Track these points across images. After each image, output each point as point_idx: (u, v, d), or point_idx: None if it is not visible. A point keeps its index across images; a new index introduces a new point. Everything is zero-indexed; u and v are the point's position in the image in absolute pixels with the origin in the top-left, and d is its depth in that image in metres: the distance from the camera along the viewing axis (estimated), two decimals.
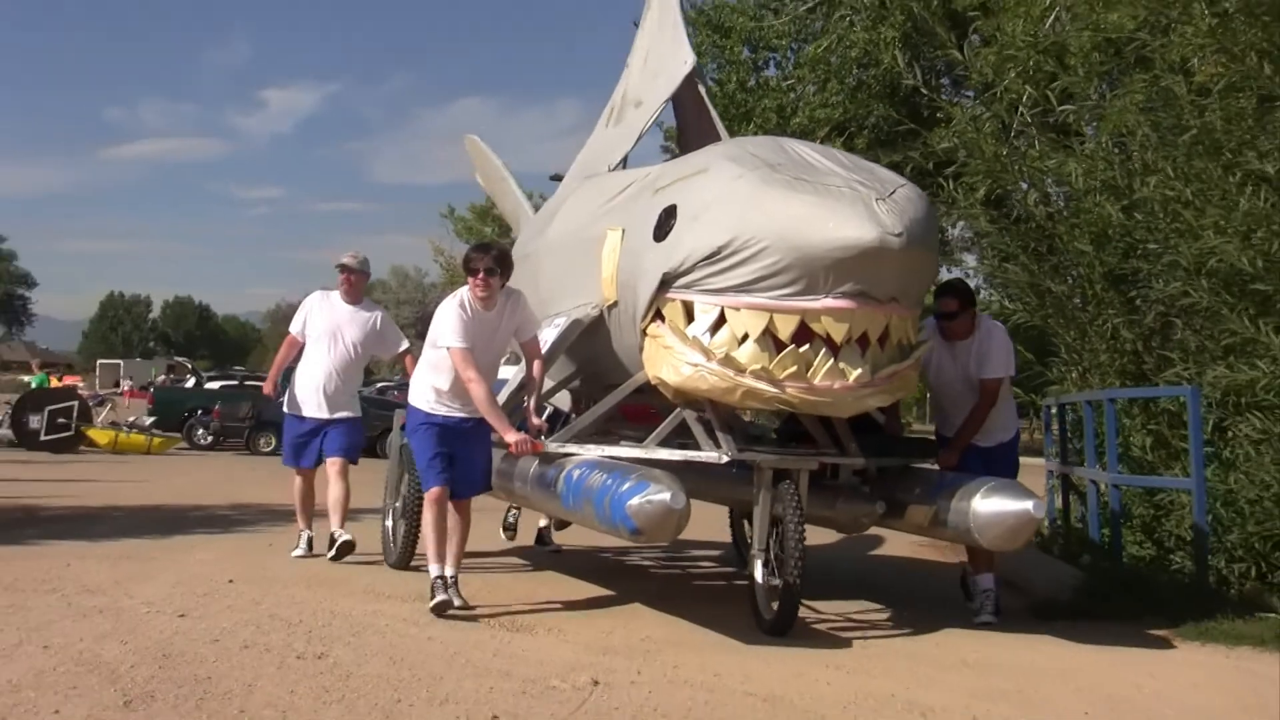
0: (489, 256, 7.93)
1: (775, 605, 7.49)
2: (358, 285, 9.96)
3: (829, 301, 6.98)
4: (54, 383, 29.63)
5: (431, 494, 8.15)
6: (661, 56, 9.84)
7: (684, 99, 10.30)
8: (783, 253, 6.89)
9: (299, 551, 10.30)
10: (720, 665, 6.78)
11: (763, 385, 7.11)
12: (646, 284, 7.54)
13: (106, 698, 5.68)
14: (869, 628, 8.34)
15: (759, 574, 7.55)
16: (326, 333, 9.97)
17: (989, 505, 7.30)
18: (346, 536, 9.92)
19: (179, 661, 6.41)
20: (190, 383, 39.49)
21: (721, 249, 7.06)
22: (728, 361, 7.13)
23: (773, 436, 9.26)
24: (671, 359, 7.36)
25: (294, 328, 10.16)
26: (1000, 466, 8.27)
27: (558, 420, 10.05)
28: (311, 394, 9.97)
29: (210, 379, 40.95)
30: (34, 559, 9.96)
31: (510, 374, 9.56)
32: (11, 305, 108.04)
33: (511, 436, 7.79)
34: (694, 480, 8.12)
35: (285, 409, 10.21)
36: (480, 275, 7.89)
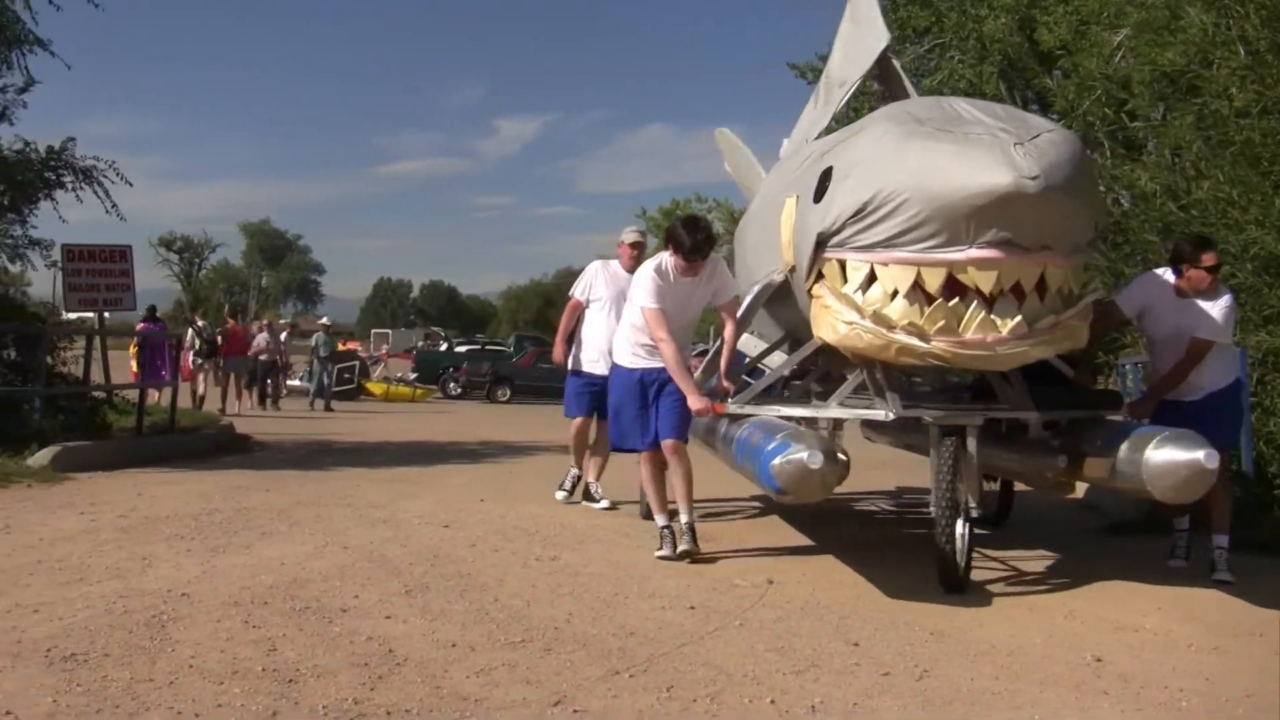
0: (694, 239, 7.03)
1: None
2: (639, 257, 9.11)
3: (973, 252, 5.82)
4: (340, 347, 30.87)
5: (643, 458, 7.46)
6: (859, 37, 8.81)
7: (883, 75, 9.30)
8: (922, 204, 5.84)
9: (562, 494, 9.55)
10: (872, 572, 6.80)
11: (914, 341, 5.99)
12: (806, 245, 6.56)
13: (392, 587, 6.09)
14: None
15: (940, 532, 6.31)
16: (609, 298, 9.14)
17: (1160, 455, 5.95)
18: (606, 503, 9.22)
19: (445, 561, 6.82)
20: (443, 347, 40.82)
21: (866, 204, 6.03)
22: (879, 318, 6.07)
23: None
24: (830, 318, 6.38)
25: (577, 293, 9.28)
26: (1210, 418, 6.75)
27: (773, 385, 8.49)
28: (595, 353, 9.07)
29: (458, 344, 42.29)
30: (332, 481, 10.65)
31: (745, 344, 8.73)
32: (307, 287, 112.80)
33: (694, 400, 6.93)
34: (914, 436, 7.98)
35: (569, 367, 9.38)
36: (688, 259, 7.06)
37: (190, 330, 21.70)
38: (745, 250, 9.26)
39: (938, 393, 7.63)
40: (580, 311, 9.29)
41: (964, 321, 5.92)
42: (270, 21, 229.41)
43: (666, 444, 7.24)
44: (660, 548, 7.17)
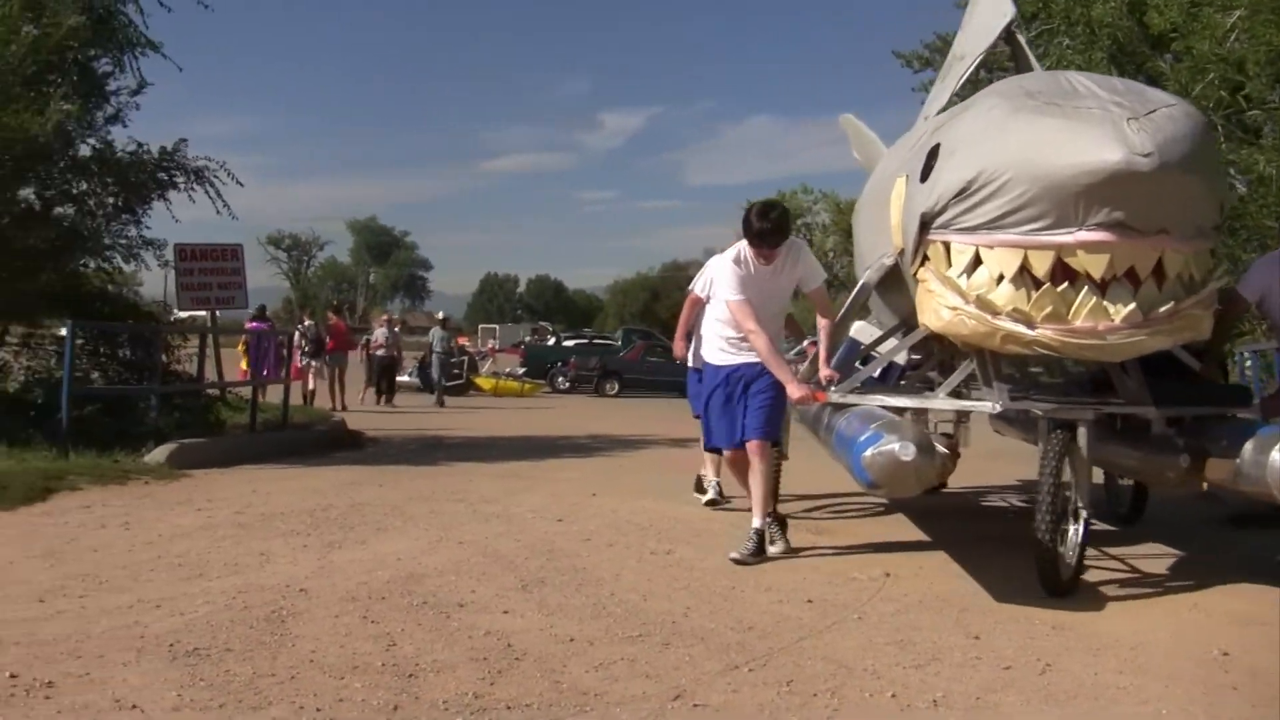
0: (769, 224, 6.72)
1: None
2: None
3: (1083, 234, 5.44)
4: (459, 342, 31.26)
5: (726, 456, 7.23)
6: (983, 12, 8.43)
7: (1011, 52, 8.96)
8: (1027, 183, 5.49)
9: (710, 496, 9.03)
10: (991, 566, 6.66)
11: (1020, 328, 5.69)
12: (911, 226, 6.27)
13: (508, 582, 6.12)
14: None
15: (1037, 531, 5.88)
16: None
17: None
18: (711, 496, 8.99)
19: (560, 555, 6.84)
20: (551, 341, 41.08)
21: (970, 184, 5.70)
22: (984, 304, 5.76)
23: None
24: (934, 303, 6.09)
25: (697, 288, 8.74)
26: None
27: (892, 373, 8.44)
28: None
29: (566, 338, 42.55)
30: (444, 476, 10.77)
31: (862, 331, 8.62)
32: (414, 283, 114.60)
33: (793, 389, 6.66)
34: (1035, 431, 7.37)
35: (689, 363, 9.07)
36: (766, 245, 6.77)
37: (298, 330, 22.14)
38: (859, 233, 9.09)
39: (1059, 385, 7.33)
40: (700, 307, 8.72)
41: (1073, 308, 5.59)
42: (377, 19, 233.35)
43: (751, 444, 6.94)
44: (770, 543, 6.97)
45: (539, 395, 29.58)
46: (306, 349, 21.76)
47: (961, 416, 7.68)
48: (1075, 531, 6.09)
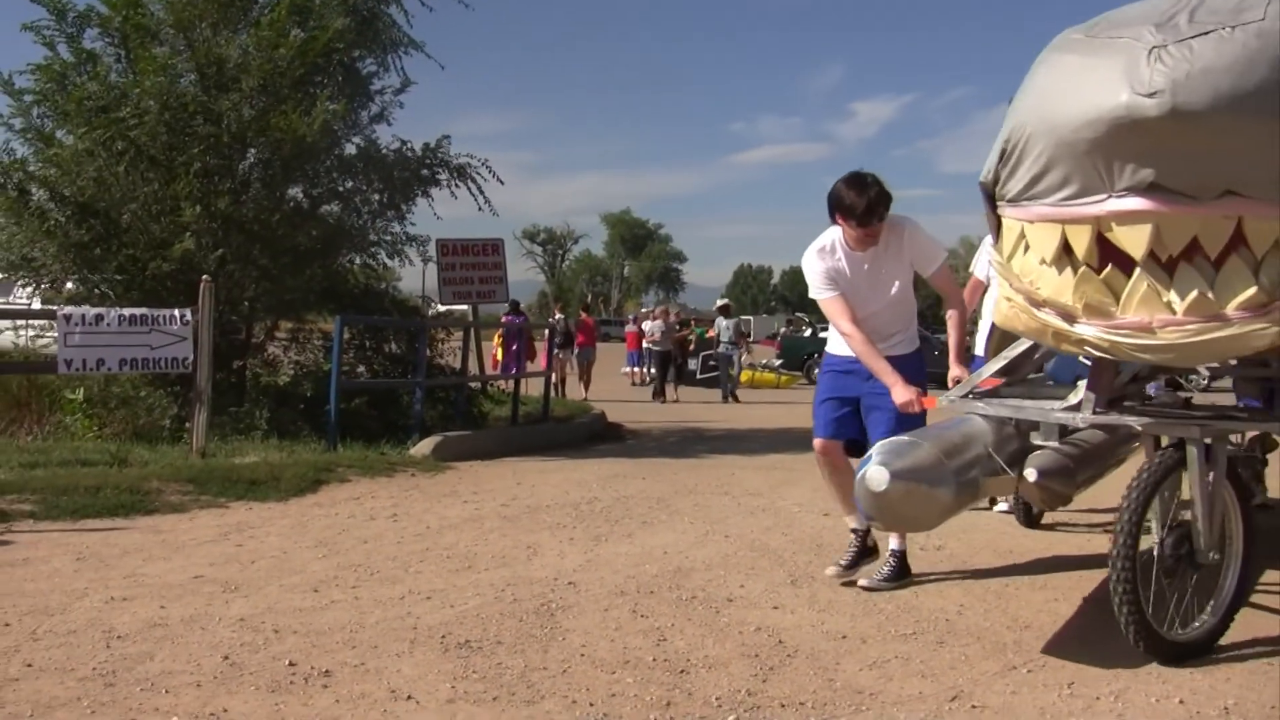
0: (865, 199, 5.57)
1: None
2: None
3: (1113, 203, 4.27)
4: (709, 334, 31.47)
5: (816, 445, 6.03)
6: None
7: None
8: (1044, 140, 4.42)
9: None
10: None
11: (1063, 323, 4.58)
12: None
13: (777, 577, 6.05)
14: None
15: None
16: None
17: None
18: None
19: (828, 550, 6.67)
20: (807, 333, 40.73)
21: (1007, 144, 4.66)
22: (1029, 293, 4.71)
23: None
24: (996, 293, 5.11)
25: (978, 272, 7.88)
26: None
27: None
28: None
29: (822, 329, 42.10)
30: (707, 469, 10.76)
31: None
32: (669, 276, 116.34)
33: (898, 392, 5.51)
34: None
35: (979, 352, 8.12)
36: (860, 227, 5.64)
37: (550, 323, 22.84)
38: None
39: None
40: (982, 291, 7.94)
41: (1123, 297, 4.37)
42: (629, 16, 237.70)
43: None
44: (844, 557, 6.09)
45: (795, 387, 29.37)
46: (558, 341, 22.41)
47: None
48: (1161, 578, 4.77)
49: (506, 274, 15.46)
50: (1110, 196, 4.27)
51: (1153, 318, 4.31)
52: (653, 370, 26.26)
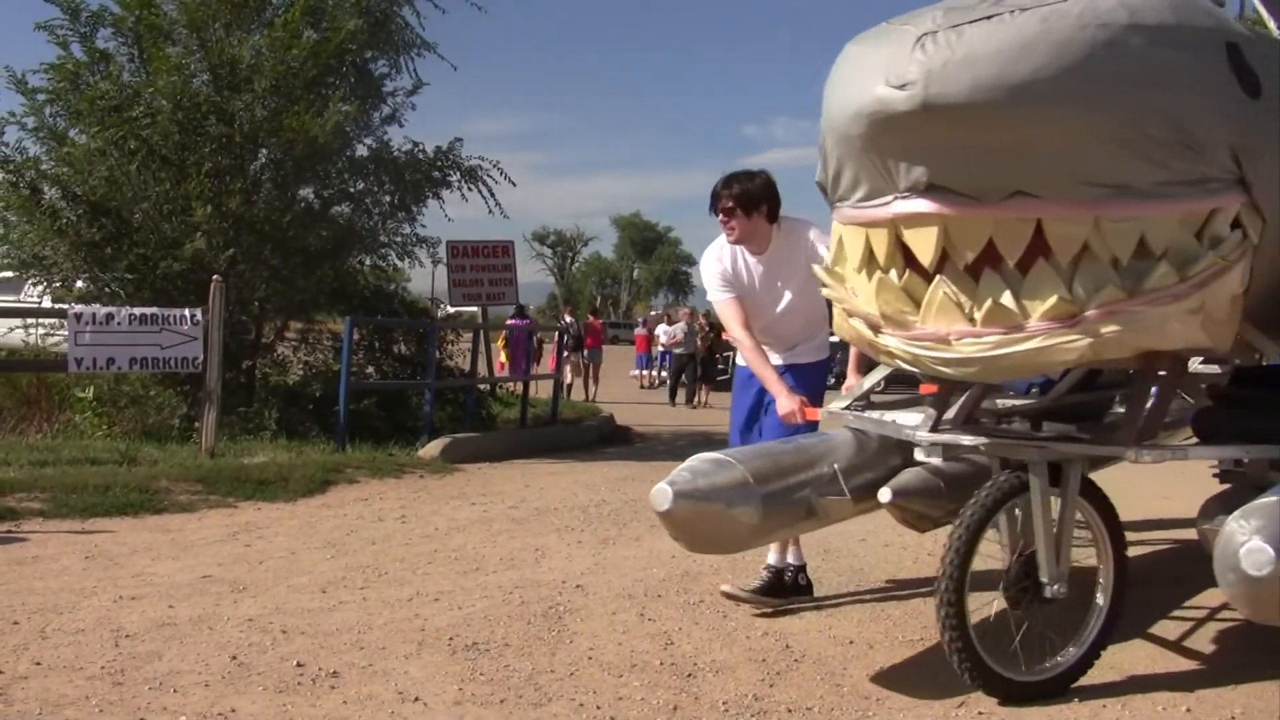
0: (728, 193, 5.35)
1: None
2: None
3: (900, 205, 3.86)
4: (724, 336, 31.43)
5: None
6: None
7: None
8: (830, 136, 4.06)
9: None
10: None
11: (870, 333, 4.18)
12: None
13: None
14: None
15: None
16: None
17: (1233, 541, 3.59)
18: None
19: (836, 555, 6.69)
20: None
21: (820, 144, 4.26)
22: (843, 300, 4.35)
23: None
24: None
25: None
26: None
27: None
28: None
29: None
30: None
31: None
32: (678, 279, 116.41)
33: (782, 402, 5.20)
34: None
35: None
36: (720, 215, 5.43)
37: (559, 325, 22.97)
38: None
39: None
40: None
41: (924, 306, 3.94)
42: (641, 18, 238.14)
43: None
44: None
45: None
46: (568, 344, 22.48)
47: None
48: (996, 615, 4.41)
49: (516, 276, 15.49)
50: (896, 198, 3.89)
51: (950, 329, 3.89)
52: (664, 374, 26.27)
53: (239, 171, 11.89)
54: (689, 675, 4.42)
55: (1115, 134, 3.64)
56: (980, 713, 4.10)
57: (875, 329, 4.13)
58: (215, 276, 10.18)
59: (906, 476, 4.79)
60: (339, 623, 5.06)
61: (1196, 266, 3.78)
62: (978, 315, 3.82)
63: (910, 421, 4.84)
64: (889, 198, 3.89)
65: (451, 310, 16.43)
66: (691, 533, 4.54)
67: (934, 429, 4.69)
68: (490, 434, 12.63)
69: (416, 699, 4.10)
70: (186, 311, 9.90)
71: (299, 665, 4.43)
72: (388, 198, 13.26)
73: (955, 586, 4.11)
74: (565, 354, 22.53)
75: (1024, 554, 4.35)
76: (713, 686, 4.31)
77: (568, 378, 22.31)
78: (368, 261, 13.90)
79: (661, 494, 4.37)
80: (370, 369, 13.21)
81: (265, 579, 5.91)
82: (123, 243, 11.57)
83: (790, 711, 4.07)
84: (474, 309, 16.04)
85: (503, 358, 21.14)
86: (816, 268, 4.63)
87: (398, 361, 13.48)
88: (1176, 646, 4.93)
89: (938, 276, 3.88)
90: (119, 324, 9.55)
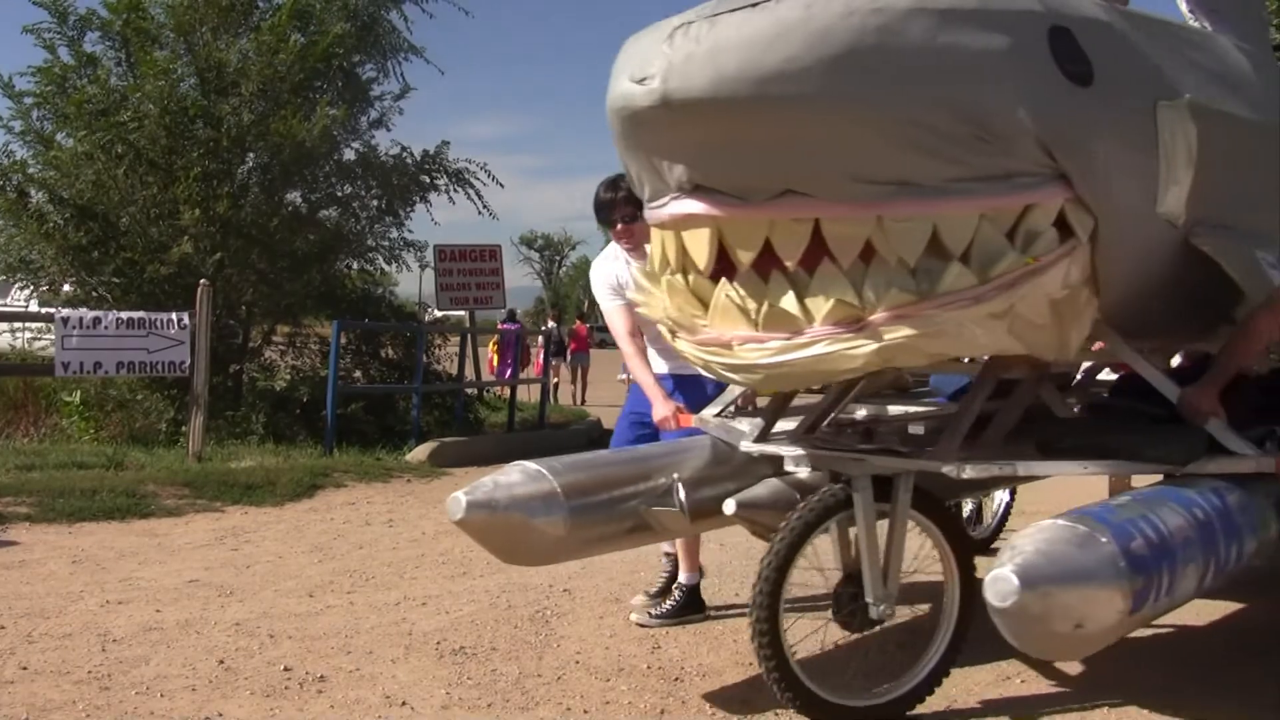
0: (625, 198, 5.11)
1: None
2: None
3: (674, 206, 3.62)
4: None
5: None
6: None
7: None
8: (612, 133, 3.77)
9: None
10: None
11: (670, 336, 3.99)
12: None
13: None
14: None
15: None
16: None
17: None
18: None
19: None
20: None
21: None
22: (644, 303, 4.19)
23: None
24: None
25: None
26: None
27: None
28: None
29: None
30: None
31: None
32: None
33: (656, 409, 5.10)
34: None
35: None
36: (617, 226, 5.27)
37: (543, 331, 23.09)
38: None
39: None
40: None
41: (710, 309, 3.69)
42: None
43: None
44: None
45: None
46: (553, 349, 22.65)
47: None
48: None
49: (504, 280, 15.50)
50: (671, 199, 3.65)
51: (733, 334, 3.62)
52: None
53: (226, 175, 11.90)
54: (676, 679, 4.43)
55: (889, 128, 3.33)
56: (970, 716, 4.11)
57: (673, 333, 3.93)
58: (202, 280, 10.17)
59: (759, 488, 4.41)
60: (326, 627, 5.06)
61: (999, 267, 3.46)
62: (760, 320, 3.55)
63: (748, 429, 4.62)
64: (666, 199, 3.68)
65: (439, 314, 16.45)
66: (494, 543, 4.28)
67: (759, 438, 4.47)
68: (478, 438, 12.63)
69: (404, 703, 4.10)
70: (174, 315, 9.89)
71: (286, 669, 4.44)
72: (375, 202, 13.29)
73: (768, 615, 3.86)
74: (553, 360, 22.73)
75: (854, 573, 4.10)
76: (700, 690, 4.32)
77: (554, 381, 22.49)
78: (355, 265, 13.91)
79: (455, 503, 4.08)
80: (358, 373, 13.20)
81: (252, 583, 5.91)
82: (110, 246, 11.56)
83: (778, 715, 4.07)
84: (461, 313, 16.03)
85: (494, 361, 21.23)
86: (635, 274, 4.47)
87: (385, 365, 13.47)
88: (1029, 671, 4.71)
89: (722, 279, 3.62)
90: (106, 328, 9.53)
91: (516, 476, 4.24)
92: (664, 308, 3.87)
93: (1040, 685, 4.48)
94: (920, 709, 4.11)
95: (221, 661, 4.52)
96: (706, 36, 3.28)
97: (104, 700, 4.05)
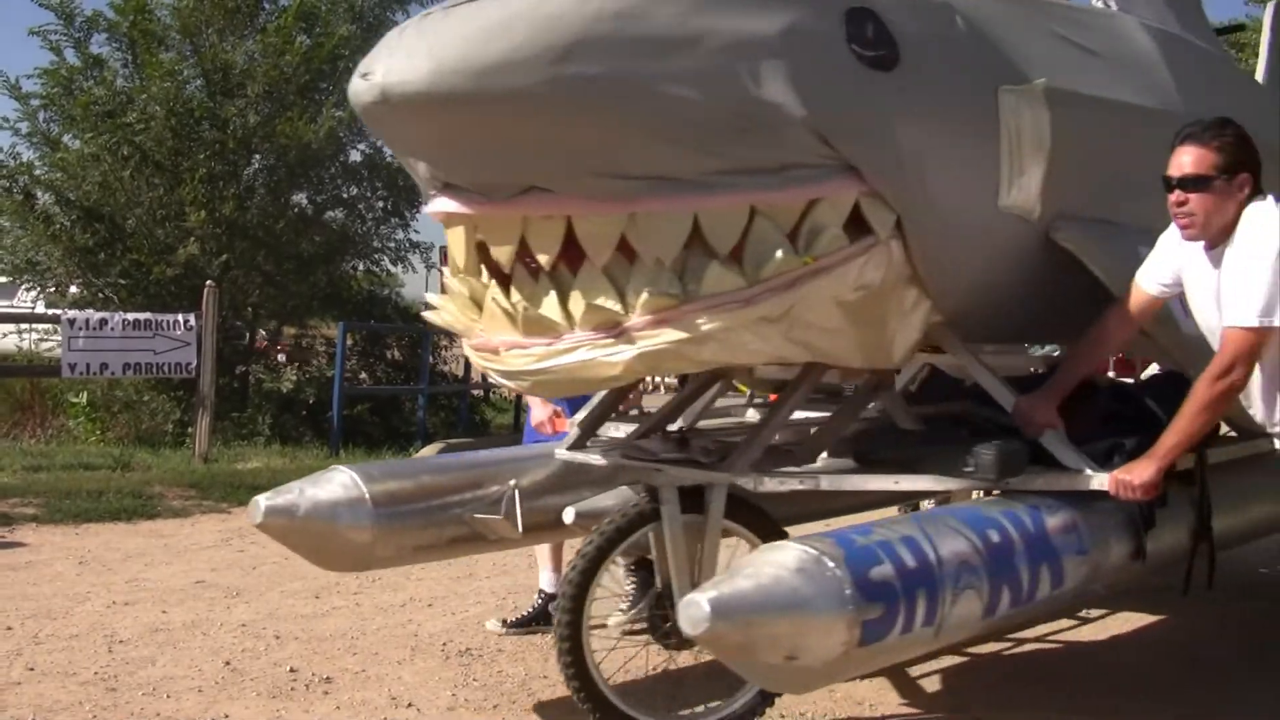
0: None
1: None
2: None
3: (434, 204, 3.43)
4: None
5: None
6: None
7: None
8: None
9: None
10: None
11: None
12: None
13: None
14: None
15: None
16: None
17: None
18: None
19: None
20: None
21: None
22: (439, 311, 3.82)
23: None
24: None
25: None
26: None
27: None
28: None
29: None
30: None
31: None
32: None
33: (534, 412, 5.04)
34: None
35: None
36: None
37: None
38: None
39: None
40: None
41: (484, 312, 3.45)
42: None
43: None
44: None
45: None
46: None
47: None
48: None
49: None
50: (433, 196, 3.44)
51: (500, 339, 3.37)
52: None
53: (232, 177, 11.92)
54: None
55: (633, 120, 3.06)
56: (974, 719, 4.11)
57: (463, 338, 3.66)
58: (209, 282, 10.18)
59: (606, 497, 4.20)
60: (332, 628, 5.07)
61: (771, 267, 3.16)
62: (518, 323, 3.29)
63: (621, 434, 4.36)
64: (431, 195, 3.46)
65: None
66: (299, 548, 4.11)
67: (574, 446, 4.24)
68: (483, 440, 12.60)
69: (410, 705, 4.11)
70: (180, 317, 9.89)
71: (292, 671, 4.44)
72: (381, 203, 13.30)
73: (570, 634, 3.70)
74: None
75: (585, 577, 3.80)
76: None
77: None
78: (361, 267, 13.92)
79: (254, 507, 3.94)
80: (364, 374, 13.21)
81: (259, 584, 5.91)
82: (116, 248, 11.58)
83: (783, 716, 4.06)
84: None
85: None
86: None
87: (391, 367, 13.48)
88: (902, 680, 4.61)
89: (492, 283, 3.39)
90: (113, 329, 9.54)
91: (326, 483, 4.07)
92: (452, 312, 3.59)
93: (1037, 691, 4.45)
94: None
95: (228, 663, 4.53)
96: (435, 28, 3.05)
97: (110, 701, 4.06)
